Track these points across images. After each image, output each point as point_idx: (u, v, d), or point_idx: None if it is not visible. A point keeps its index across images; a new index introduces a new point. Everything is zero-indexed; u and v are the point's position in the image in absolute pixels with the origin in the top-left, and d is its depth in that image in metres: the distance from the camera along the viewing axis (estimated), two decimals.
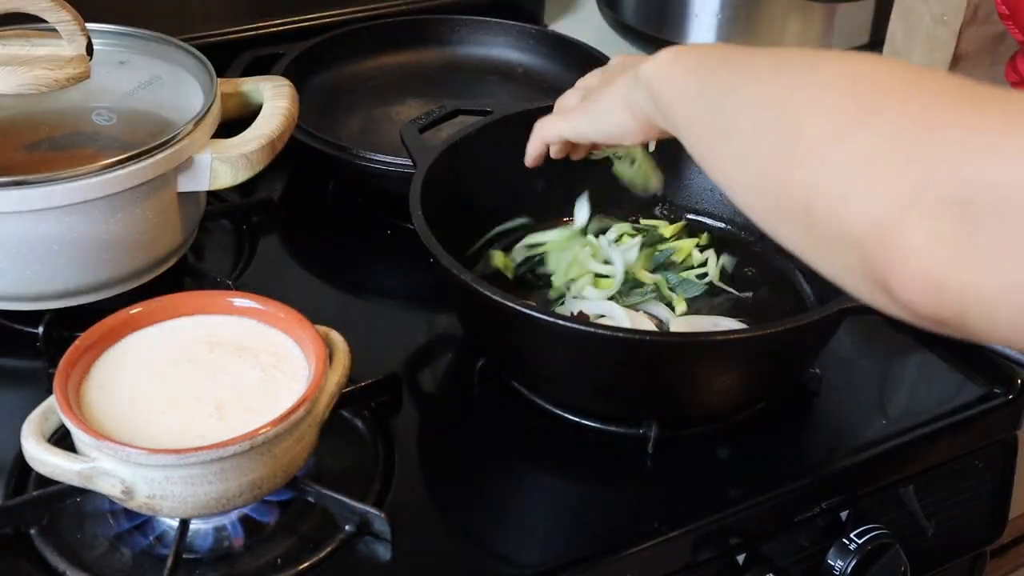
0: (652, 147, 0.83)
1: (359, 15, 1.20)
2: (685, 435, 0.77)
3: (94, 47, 0.84)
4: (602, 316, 0.82)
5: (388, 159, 0.94)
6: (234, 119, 0.90)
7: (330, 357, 0.70)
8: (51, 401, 0.66)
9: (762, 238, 0.90)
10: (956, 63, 1.14)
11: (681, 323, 0.83)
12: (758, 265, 0.90)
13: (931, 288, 0.41)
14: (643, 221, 0.93)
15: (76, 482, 0.64)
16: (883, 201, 0.42)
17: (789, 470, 0.76)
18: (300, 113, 0.90)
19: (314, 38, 1.14)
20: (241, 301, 0.73)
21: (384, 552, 0.68)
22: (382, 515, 0.68)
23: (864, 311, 0.72)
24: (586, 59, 1.15)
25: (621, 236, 0.90)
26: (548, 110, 0.91)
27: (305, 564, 0.67)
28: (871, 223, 0.43)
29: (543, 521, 0.73)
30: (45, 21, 0.82)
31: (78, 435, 0.64)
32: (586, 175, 0.93)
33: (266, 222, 0.97)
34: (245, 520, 0.70)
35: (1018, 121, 0.40)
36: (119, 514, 0.70)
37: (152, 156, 0.79)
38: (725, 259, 0.89)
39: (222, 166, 0.83)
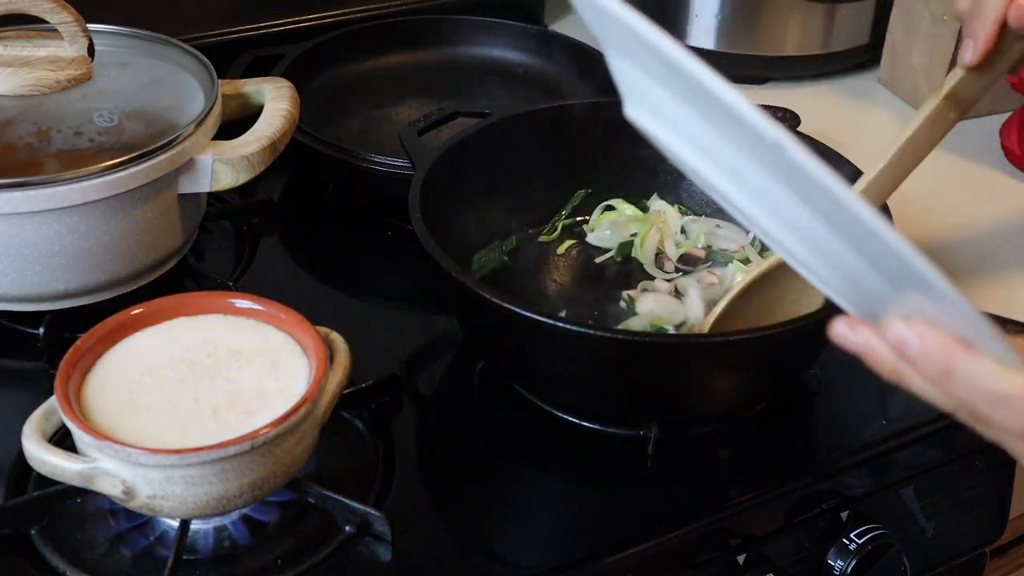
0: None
1: (359, 15, 1.20)
2: (685, 436, 0.78)
3: (95, 48, 0.84)
4: None
5: (388, 160, 0.94)
6: (235, 120, 0.90)
7: (331, 358, 0.70)
8: (52, 401, 0.66)
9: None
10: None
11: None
12: None
13: None
14: None
15: (77, 482, 0.64)
16: None
17: (789, 470, 0.76)
18: (300, 114, 0.90)
19: (314, 38, 1.14)
20: (241, 302, 0.73)
21: (384, 553, 0.68)
22: (382, 516, 0.68)
23: None
24: (586, 59, 1.15)
25: None
26: (547, 112, 0.92)
27: (305, 565, 0.67)
28: None
29: (543, 522, 0.73)
30: (46, 22, 0.82)
31: (79, 435, 0.64)
32: (586, 177, 0.93)
33: (266, 223, 0.98)
34: (245, 521, 0.70)
35: None
36: (119, 514, 0.70)
37: (153, 158, 0.79)
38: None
39: (223, 168, 0.83)
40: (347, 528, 0.69)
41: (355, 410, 0.77)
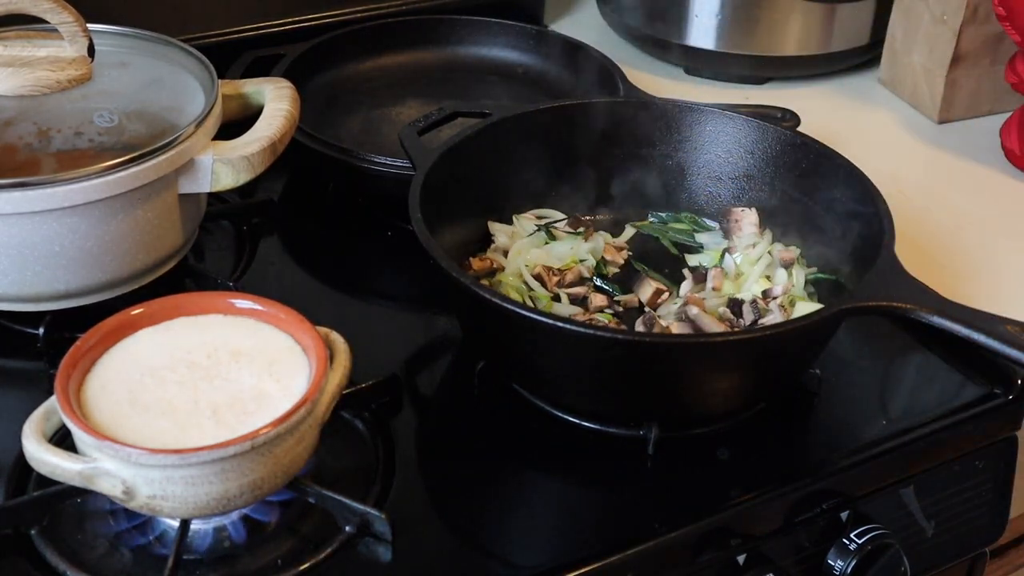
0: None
1: (359, 15, 1.20)
2: (685, 436, 0.78)
3: (95, 48, 0.84)
4: None
5: (388, 160, 0.94)
6: (235, 120, 0.90)
7: (331, 358, 0.70)
8: (52, 401, 0.66)
9: None
10: (956, 63, 1.14)
11: None
12: None
13: None
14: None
15: (77, 482, 0.64)
16: None
17: (789, 470, 0.76)
18: (300, 114, 0.90)
19: (314, 38, 1.14)
20: (242, 302, 0.73)
21: (384, 553, 0.68)
22: (382, 516, 0.68)
23: (863, 311, 0.73)
24: (586, 59, 1.15)
25: None
26: (547, 112, 0.92)
27: (305, 565, 0.67)
28: None
29: (543, 522, 0.73)
30: (46, 22, 0.82)
31: (79, 435, 0.64)
32: (586, 177, 0.93)
33: (266, 223, 0.98)
34: (246, 521, 0.70)
35: None
36: (119, 514, 0.70)
37: (153, 158, 0.79)
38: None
39: (223, 168, 0.83)
40: (347, 528, 0.69)
41: (355, 410, 0.77)
